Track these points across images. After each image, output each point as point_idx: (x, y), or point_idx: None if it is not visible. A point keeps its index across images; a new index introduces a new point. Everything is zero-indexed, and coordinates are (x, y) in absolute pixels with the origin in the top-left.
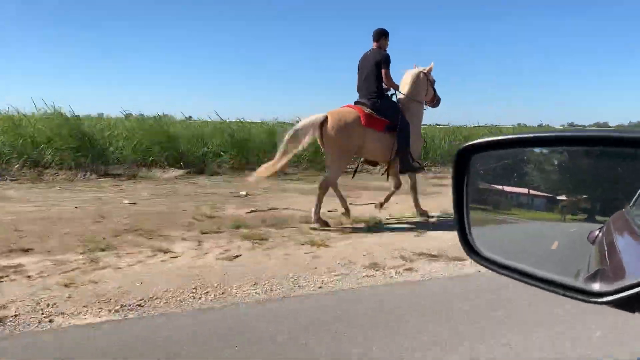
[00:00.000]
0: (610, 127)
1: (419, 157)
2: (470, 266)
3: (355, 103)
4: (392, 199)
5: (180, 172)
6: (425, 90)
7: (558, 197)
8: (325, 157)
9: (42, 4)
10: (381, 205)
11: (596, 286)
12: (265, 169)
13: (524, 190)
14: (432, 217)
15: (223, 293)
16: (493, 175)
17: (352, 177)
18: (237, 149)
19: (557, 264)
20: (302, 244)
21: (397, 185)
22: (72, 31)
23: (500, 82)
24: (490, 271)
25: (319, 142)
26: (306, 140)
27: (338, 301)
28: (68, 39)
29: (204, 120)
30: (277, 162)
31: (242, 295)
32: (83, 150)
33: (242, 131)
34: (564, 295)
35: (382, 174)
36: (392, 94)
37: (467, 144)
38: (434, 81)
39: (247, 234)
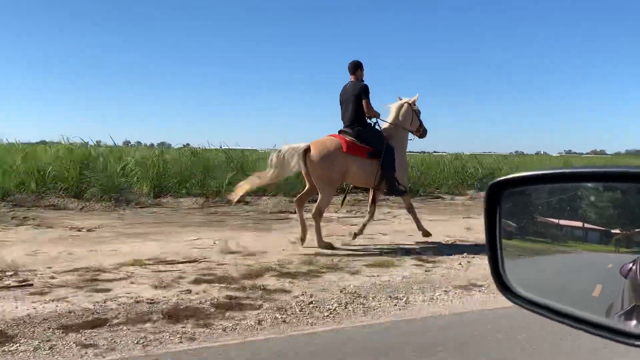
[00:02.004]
0: (607, 154)
1: (405, 182)
2: None
3: (339, 132)
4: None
5: None
6: (411, 119)
7: (612, 230)
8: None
9: None
10: (356, 235)
11: (632, 325)
12: (240, 188)
13: (577, 223)
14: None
15: None
16: (535, 208)
17: (342, 204)
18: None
19: (587, 298)
20: None
21: (372, 213)
22: None
23: (497, 110)
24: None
25: (302, 171)
26: (291, 168)
27: None
28: None
29: None
30: (256, 183)
31: None
32: None
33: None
34: (599, 335)
35: (369, 208)
36: (375, 123)
37: (498, 179)
38: (420, 112)
39: None
